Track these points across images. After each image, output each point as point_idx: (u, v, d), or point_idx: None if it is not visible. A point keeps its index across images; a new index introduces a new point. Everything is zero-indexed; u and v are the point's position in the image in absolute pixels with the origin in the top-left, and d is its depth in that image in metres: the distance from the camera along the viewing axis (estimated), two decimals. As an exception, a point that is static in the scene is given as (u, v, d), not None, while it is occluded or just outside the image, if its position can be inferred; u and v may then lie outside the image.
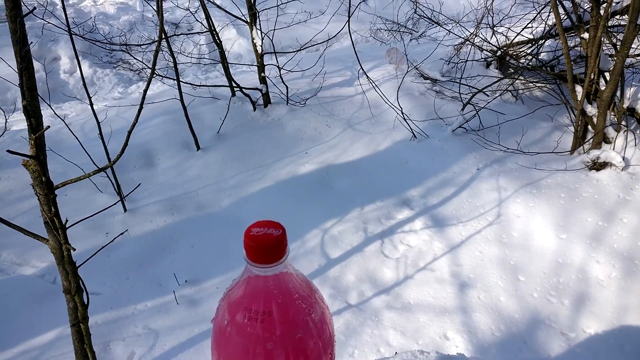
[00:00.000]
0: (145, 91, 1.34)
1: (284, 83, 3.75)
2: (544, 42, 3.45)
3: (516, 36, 3.68)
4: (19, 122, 4.06)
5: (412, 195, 2.81)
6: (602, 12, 2.56)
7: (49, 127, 1.16)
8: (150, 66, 3.95)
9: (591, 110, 2.71)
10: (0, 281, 2.32)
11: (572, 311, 2.01)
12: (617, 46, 2.58)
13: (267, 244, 0.48)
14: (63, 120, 2.62)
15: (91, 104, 2.47)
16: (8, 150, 1.05)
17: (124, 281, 2.35)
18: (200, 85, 3.81)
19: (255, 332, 0.48)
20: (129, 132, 1.33)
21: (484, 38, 3.72)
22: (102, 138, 2.56)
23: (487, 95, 3.58)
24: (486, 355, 1.85)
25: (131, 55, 3.92)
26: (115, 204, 1.76)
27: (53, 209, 1.21)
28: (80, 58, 5.68)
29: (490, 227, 2.48)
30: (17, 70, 1.26)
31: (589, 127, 2.81)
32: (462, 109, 3.34)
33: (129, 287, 2.30)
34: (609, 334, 1.90)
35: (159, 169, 3.26)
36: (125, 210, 2.81)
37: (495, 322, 2.00)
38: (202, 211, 2.83)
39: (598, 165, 2.61)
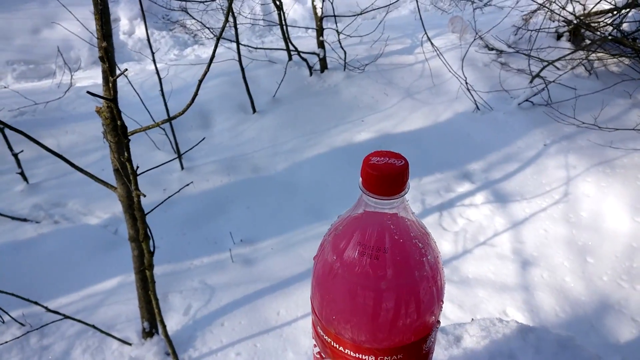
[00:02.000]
0: (216, 45, 1.30)
1: (342, 48, 3.66)
2: (629, 11, 3.18)
3: (595, 5, 3.40)
4: (82, 80, 4.18)
5: (473, 168, 2.70)
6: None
7: (127, 69, 1.15)
8: (208, 27, 3.94)
9: (680, 85, 2.48)
10: (67, 229, 2.42)
11: (646, 298, 1.88)
12: None
13: (390, 173, 0.43)
14: (125, 76, 2.65)
15: (154, 60, 2.49)
16: (88, 92, 1.05)
17: (180, 237, 2.39)
18: (257, 48, 3.78)
19: (368, 269, 0.44)
20: (200, 81, 1.30)
21: (560, 5, 3.46)
22: (162, 94, 2.58)
23: (558, 69, 3.36)
24: (549, 335, 1.77)
25: (189, 15, 3.93)
26: (173, 160, 1.77)
27: (127, 154, 1.22)
28: (139, 19, 5.73)
29: (557, 206, 2.35)
30: (87, 26, 1.25)
31: (675, 104, 2.57)
32: (531, 81, 3.15)
33: (185, 243, 2.34)
34: (687, 324, 1.77)
35: (215, 130, 3.28)
36: (182, 168, 2.85)
37: (560, 302, 1.90)
38: (257, 173, 2.84)
39: (683, 146, 2.40)
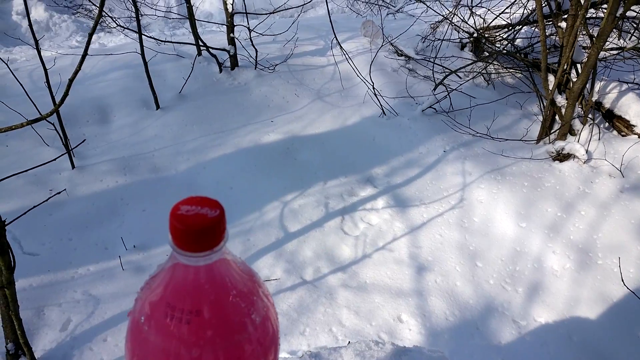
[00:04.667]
0: (91, 33, 1.19)
1: (254, 46, 3.58)
2: (521, 28, 3.41)
3: (494, 19, 3.62)
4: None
5: (376, 173, 2.75)
6: (582, 1, 2.52)
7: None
8: (111, 15, 3.67)
9: (561, 100, 2.70)
10: None
11: (525, 300, 2.01)
12: (593, 38, 2.56)
13: (200, 227, 0.38)
14: (5, 63, 2.38)
15: (37, 48, 2.25)
16: None
17: (66, 242, 2.20)
18: (164, 41, 3.58)
19: (179, 335, 0.39)
20: (70, 80, 1.18)
21: (462, 18, 3.64)
22: (49, 86, 2.35)
23: (460, 77, 3.53)
24: (438, 339, 1.84)
25: (90, 1, 3.64)
26: (59, 157, 1.59)
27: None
28: (34, -1, 5.23)
29: (453, 211, 2.46)
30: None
31: (557, 117, 2.80)
32: (434, 89, 3.27)
33: (70, 250, 2.15)
34: (558, 324, 1.92)
35: (113, 126, 3.06)
36: (73, 167, 2.63)
37: (450, 307, 1.98)
38: (156, 174, 2.68)
39: (562, 157, 2.62)
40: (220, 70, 3.54)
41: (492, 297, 2.04)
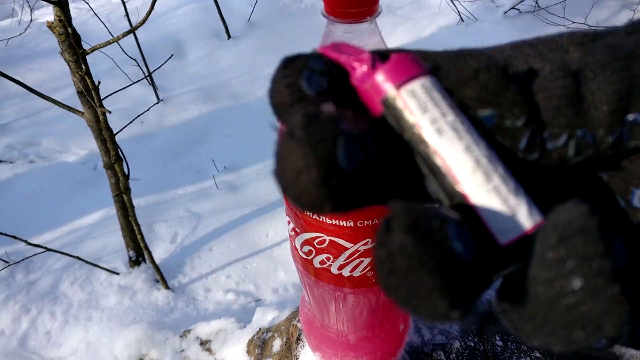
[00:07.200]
0: None
1: (318, -36, 3.43)
2: None
3: None
4: (44, 16, 3.91)
5: (459, 81, 2.61)
6: None
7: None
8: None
9: (673, -22, 2.36)
10: (44, 168, 2.34)
11: None
12: None
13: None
14: (89, 5, 2.47)
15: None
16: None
17: (162, 168, 2.32)
18: (228, -30, 3.52)
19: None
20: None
21: None
22: (129, 19, 2.41)
23: (546, -27, 3.19)
24: None
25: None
26: (138, 81, 1.65)
27: (84, 67, 1.12)
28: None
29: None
30: None
31: (667, 0, 2.47)
32: (518, -13, 2.99)
33: (167, 174, 2.28)
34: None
35: (189, 59, 3.12)
36: (158, 99, 2.73)
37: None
38: (236, 101, 2.73)
39: (674, 43, 2.32)
40: (287, -5, 3.45)
41: None
